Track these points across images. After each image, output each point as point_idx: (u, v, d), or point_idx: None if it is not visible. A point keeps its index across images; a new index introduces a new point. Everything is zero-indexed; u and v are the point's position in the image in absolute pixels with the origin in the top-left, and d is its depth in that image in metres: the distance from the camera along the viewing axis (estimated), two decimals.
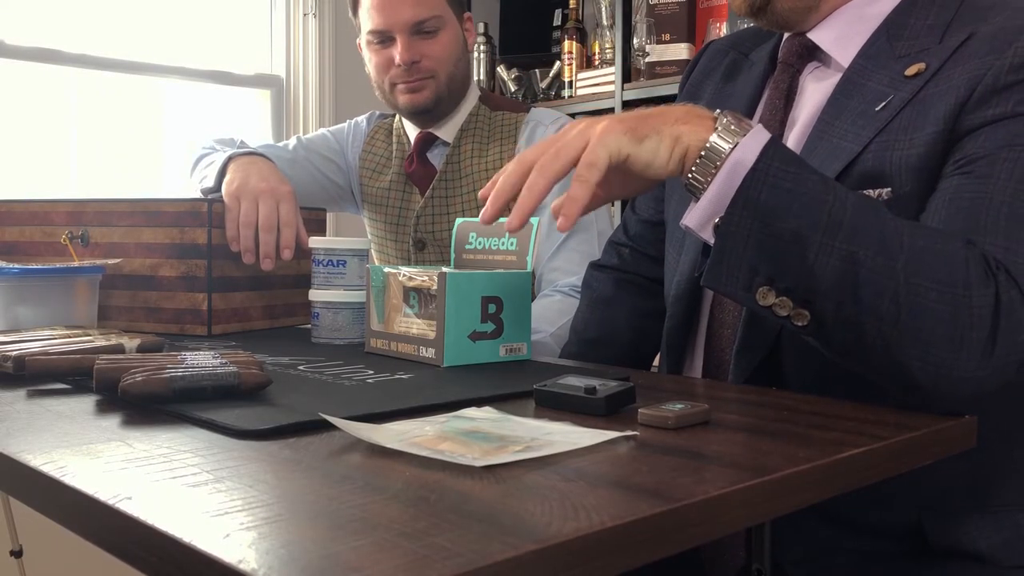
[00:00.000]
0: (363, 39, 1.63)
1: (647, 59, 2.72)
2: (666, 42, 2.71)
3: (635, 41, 2.75)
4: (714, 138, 0.79)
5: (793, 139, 0.99)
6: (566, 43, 3.02)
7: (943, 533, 0.89)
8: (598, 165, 0.79)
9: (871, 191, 0.88)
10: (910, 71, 0.91)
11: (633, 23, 2.76)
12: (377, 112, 1.83)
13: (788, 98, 1.02)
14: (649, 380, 0.95)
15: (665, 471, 0.58)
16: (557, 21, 3.18)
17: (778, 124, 1.01)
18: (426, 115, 1.65)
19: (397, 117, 1.75)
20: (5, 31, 2.45)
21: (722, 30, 2.57)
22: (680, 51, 2.69)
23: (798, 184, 0.77)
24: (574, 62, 3.00)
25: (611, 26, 2.87)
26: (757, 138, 0.79)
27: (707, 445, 0.65)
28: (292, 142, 1.77)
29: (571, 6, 3.05)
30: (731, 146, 0.79)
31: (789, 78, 1.03)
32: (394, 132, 1.75)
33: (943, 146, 0.86)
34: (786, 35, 1.06)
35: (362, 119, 1.83)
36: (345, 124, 1.83)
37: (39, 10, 2.51)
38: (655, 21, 2.73)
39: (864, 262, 0.75)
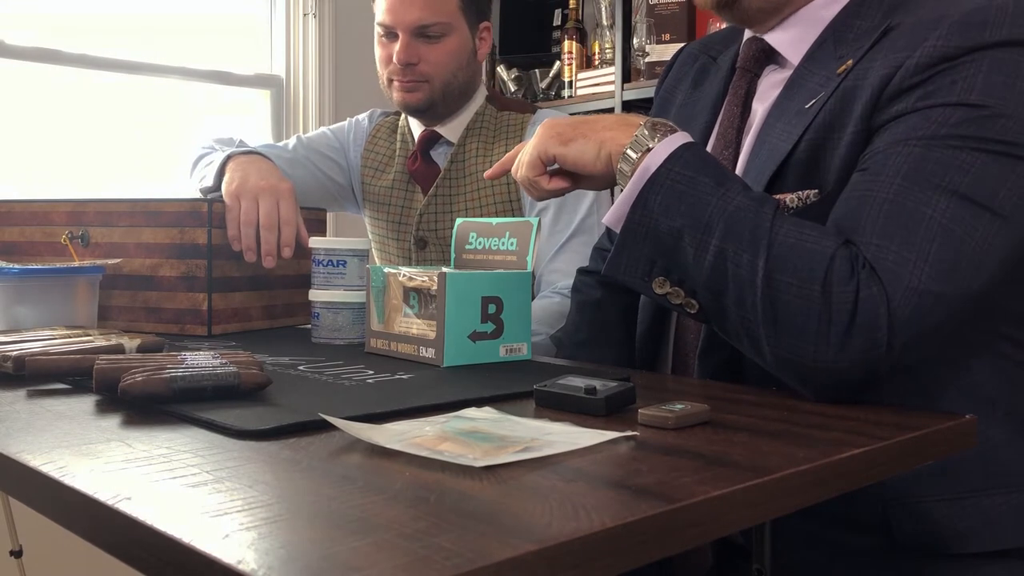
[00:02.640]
0: (375, 27, 1.64)
1: (647, 59, 2.71)
2: (666, 42, 2.71)
3: (635, 41, 2.75)
4: (630, 145, 0.88)
5: (749, 141, 1.01)
6: (566, 43, 3.02)
7: (909, 525, 0.89)
8: (532, 165, 0.96)
9: (801, 192, 0.92)
10: (841, 68, 0.93)
11: (633, 23, 2.76)
12: (379, 111, 1.83)
13: (746, 103, 1.05)
14: (649, 380, 0.95)
15: (665, 471, 0.58)
16: (557, 21, 3.18)
17: (735, 131, 1.04)
18: (419, 115, 1.65)
19: (403, 115, 1.75)
20: (5, 31, 2.45)
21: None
22: None
23: (690, 187, 0.85)
24: (574, 62, 2.99)
25: (611, 26, 2.87)
26: (669, 145, 0.87)
27: (707, 445, 0.65)
28: (292, 141, 1.77)
29: (571, 6, 3.04)
30: (641, 153, 0.87)
31: (747, 83, 1.06)
32: (398, 130, 1.75)
33: (861, 147, 0.88)
34: (745, 39, 1.08)
35: (363, 117, 1.83)
36: (346, 122, 1.83)
37: (39, 10, 2.51)
38: (655, 21, 2.72)
39: (732, 258, 0.82)
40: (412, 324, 1.01)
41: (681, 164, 0.85)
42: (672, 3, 2.70)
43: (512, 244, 1.06)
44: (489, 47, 1.70)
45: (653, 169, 0.86)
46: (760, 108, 1.02)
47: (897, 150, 0.84)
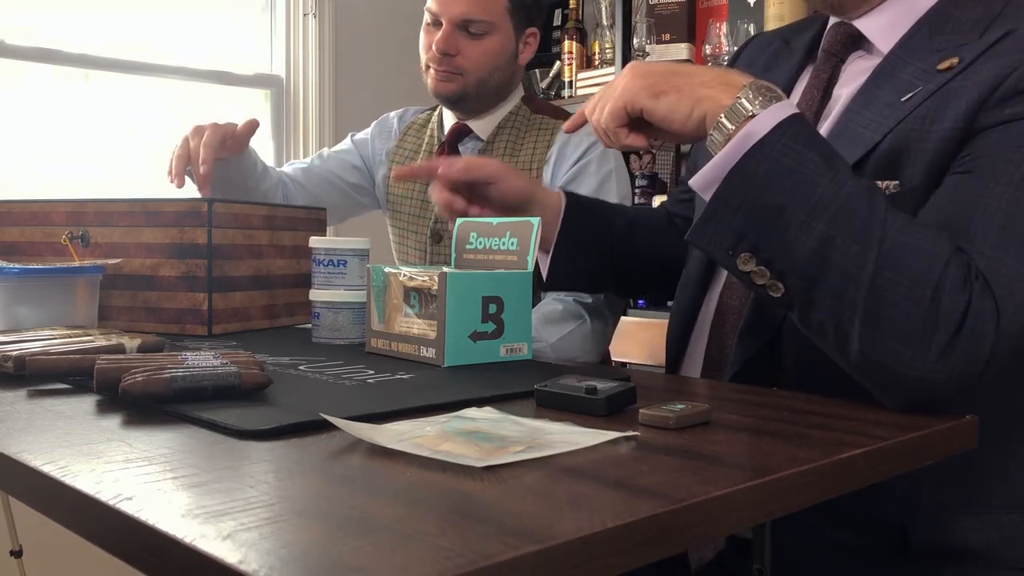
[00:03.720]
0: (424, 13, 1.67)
1: (647, 59, 2.71)
2: (666, 42, 2.71)
3: (635, 41, 2.75)
4: (733, 107, 0.81)
5: (827, 127, 0.98)
6: (566, 43, 3.02)
7: (926, 533, 0.89)
8: (615, 115, 0.88)
9: (881, 183, 0.88)
10: (943, 65, 0.89)
11: (633, 23, 2.76)
12: (413, 108, 1.85)
13: (827, 88, 1.02)
14: (649, 380, 0.95)
15: (666, 471, 0.58)
16: (557, 21, 3.18)
17: (812, 115, 1.01)
18: (450, 105, 1.67)
19: (438, 109, 1.77)
20: (5, 31, 2.45)
21: (722, 30, 2.57)
22: (680, 51, 2.69)
23: (798, 162, 0.78)
24: (574, 62, 3.00)
25: (611, 26, 2.87)
26: (776, 113, 0.80)
27: (708, 445, 0.65)
28: (314, 154, 1.83)
29: (571, 6, 3.05)
30: (747, 117, 0.80)
31: (831, 67, 1.02)
32: (429, 125, 1.77)
33: (958, 144, 0.85)
34: (831, 23, 1.06)
35: (394, 115, 1.85)
36: (372, 124, 1.86)
37: (39, 10, 2.51)
38: (655, 21, 2.73)
39: (839, 247, 0.77)
40: (412, 324, 1.01)
41: (789, 136, 0.79)
42: (672, 3, 2.71)
43: (513, 244, 1.06)
44: (532, 53, 1.70)
45: (758, 136, 0.79)
46: (843, 94, 0.99)
47: (1008, 156, 0.81)
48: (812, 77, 1.04)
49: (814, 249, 0.77)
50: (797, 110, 0.82)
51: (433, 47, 1.59)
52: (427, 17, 1.63)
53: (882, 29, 0.98)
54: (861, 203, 0.78)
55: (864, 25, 1.00)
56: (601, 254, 1.19)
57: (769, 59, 1.15)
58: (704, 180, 0.83)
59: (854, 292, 0.77)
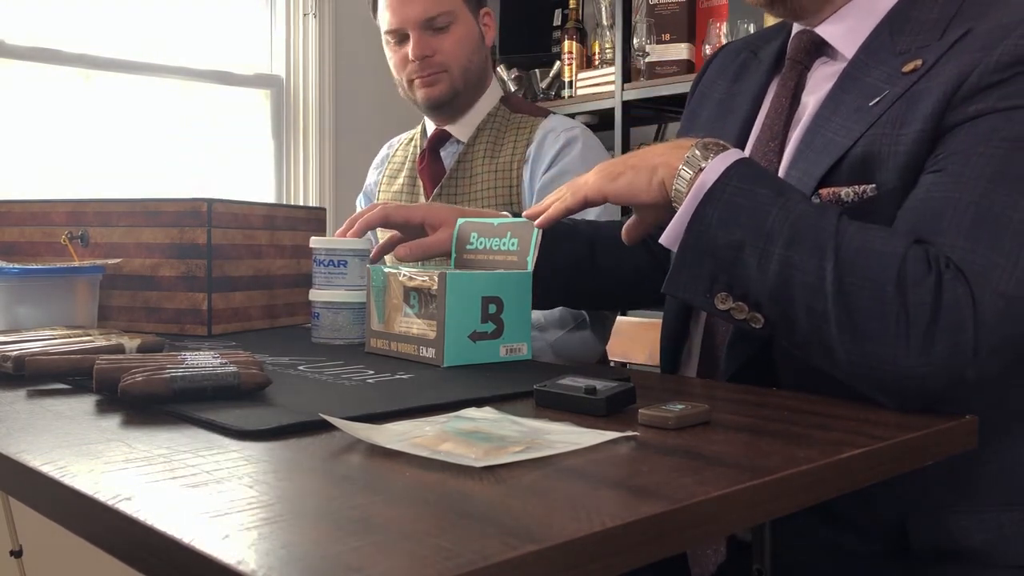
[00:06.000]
0: (383, 39, 1.66)
1: (647, 59, 2.71)
2: (666, 42, 2.71)
3: (635, 41, 2.75)
4: (683, 165, 0.87)
5: (798, 134, 0.99)
6: (566, 43, 3.02)
7: (925, 533, 0.89)
8: (576, 201, 0.96)
9: (857, 186, 0.90)
10: (907, 67, 0.91)
11: (633, 23, 2.76)
12: (396, 137, 1.88)
13: (795, 95, 1.03)
14: (649, 380, 0.95)
15: (665, 472, 0.58)
16: (557, 21, 3.18)
17: (782, 123, 1.02)
18: (445, 108, 1.67)
19: (420, 123, 1.78)
20: (5, 31, 2.45)
21: (722, 30, 2.57)
22: (680, 51, 2.69)
23: (748, 199, 0.83)
24: (574, 62, 2.99)
25: (611, 26, 2.87)
26: (724, 160, 0.85)
27: (707, 446, 0.65)
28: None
29: (571, 6, 3.04)
30: (696, 172, 0.85)
31: (797, 75, 1.04)
32: (413, 141, 1.78)
33: (928, 145, 0.86)
34: (794, 31, 1.07)
35: (384, 147, 1.89)
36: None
37: (39, 10, 2.51)
38: (655, 21, 2.72)
39: (798, 265, 0.80)
40: (412, 324, 1.01)
41: (738, 178, 0.84)
42: (672, 3, 2.70)
43: (513, 244, 1.06)
44: (494, 32, 1.73)
45: (709, 185, 0.84)
46: (811, 100, 1.00)
47: (979, 151, 0.82)
48: (779, 86, 1.06)
49: (777, 272, 0.81)
50: (744, 155, 0.86)
51: (410, 56, 1.60)
52: (388, 38, 1.64)
53: (843, 34, 0.99)
54: (811, 221, 0.81)
55: (825, 31, 1.01)
56: (558, 280, 1.18)
57: (738, 69, 1.16)
58: (670, 237, 0.87)
59: (823, 304, 0.79)
